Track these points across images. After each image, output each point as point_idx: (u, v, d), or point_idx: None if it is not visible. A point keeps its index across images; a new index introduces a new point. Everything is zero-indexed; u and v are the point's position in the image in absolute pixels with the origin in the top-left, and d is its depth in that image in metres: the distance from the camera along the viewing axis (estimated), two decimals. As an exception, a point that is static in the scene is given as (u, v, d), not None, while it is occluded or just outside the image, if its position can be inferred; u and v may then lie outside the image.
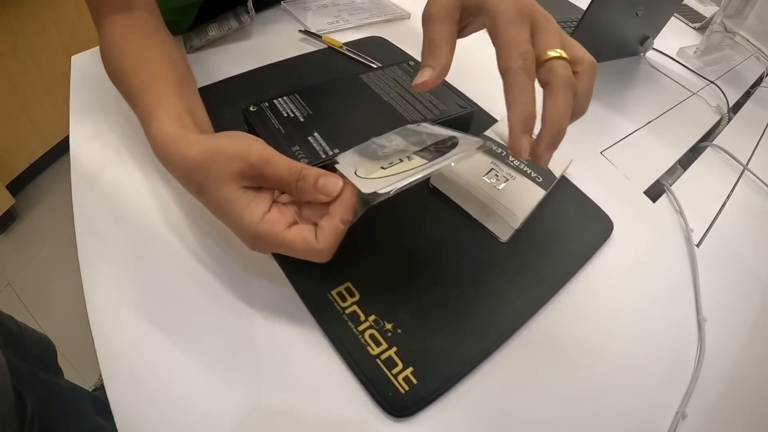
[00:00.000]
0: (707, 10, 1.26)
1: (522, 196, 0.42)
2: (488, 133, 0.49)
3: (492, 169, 0.44)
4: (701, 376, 0.38)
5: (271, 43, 0.65)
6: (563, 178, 0.47)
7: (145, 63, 0.40)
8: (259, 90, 0.52)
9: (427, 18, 0.32)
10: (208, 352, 0.33)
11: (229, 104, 0.47)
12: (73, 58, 0.57)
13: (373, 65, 0.59)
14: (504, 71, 0.28)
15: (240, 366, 0.32)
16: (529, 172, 0.45)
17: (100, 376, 1.01)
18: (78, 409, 0.65)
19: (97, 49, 0.55)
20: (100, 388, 1.00)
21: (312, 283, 0.36)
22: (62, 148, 1.60)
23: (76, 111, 0.50)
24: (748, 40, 1.20)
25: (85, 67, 0.56)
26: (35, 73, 1.39)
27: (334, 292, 0.35)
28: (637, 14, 0.72)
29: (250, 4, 0.65)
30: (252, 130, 0.43)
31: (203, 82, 0.53)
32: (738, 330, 0.43)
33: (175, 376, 0.31)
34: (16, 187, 1.49)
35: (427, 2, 0.33)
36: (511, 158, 0.46)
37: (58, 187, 1.56)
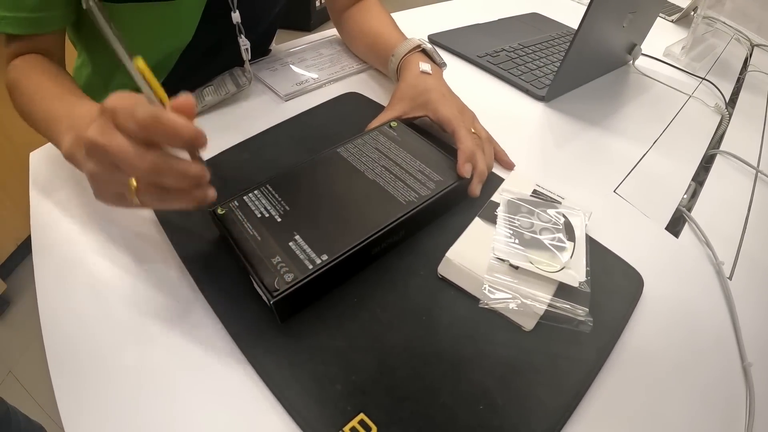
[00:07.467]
0: (681, 0, 1.22)
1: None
2: (496, 196, 0.44)
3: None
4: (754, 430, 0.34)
5: (258, 108, 0.59)
6: (586, 235, 0.42)
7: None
8: (237, 172, 0.46)
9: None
10: None
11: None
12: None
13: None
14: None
15: None
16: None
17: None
18: None
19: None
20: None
21: (317, 419, 0.30)
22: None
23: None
24: (728, 25, 1.17)
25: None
26: (10, 151, 1.34)
27: (346, 429, 0.30)
28: (623, 26, 0.68)
29: (247, 65, 0.60)
30: (228, 235, 0.36)
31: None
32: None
33: None
34: (6, 270, 1.43)
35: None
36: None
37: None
